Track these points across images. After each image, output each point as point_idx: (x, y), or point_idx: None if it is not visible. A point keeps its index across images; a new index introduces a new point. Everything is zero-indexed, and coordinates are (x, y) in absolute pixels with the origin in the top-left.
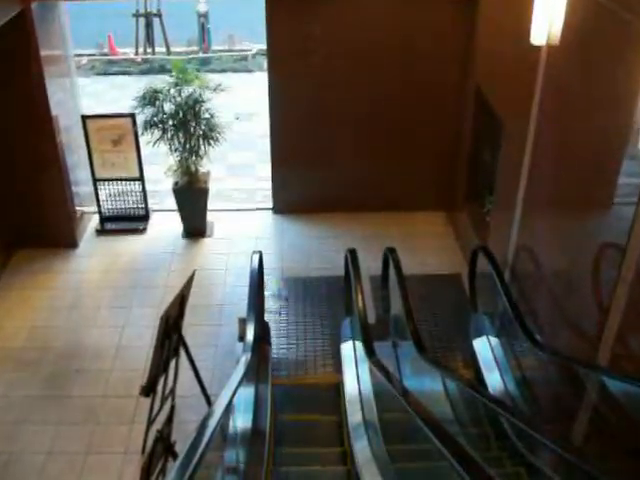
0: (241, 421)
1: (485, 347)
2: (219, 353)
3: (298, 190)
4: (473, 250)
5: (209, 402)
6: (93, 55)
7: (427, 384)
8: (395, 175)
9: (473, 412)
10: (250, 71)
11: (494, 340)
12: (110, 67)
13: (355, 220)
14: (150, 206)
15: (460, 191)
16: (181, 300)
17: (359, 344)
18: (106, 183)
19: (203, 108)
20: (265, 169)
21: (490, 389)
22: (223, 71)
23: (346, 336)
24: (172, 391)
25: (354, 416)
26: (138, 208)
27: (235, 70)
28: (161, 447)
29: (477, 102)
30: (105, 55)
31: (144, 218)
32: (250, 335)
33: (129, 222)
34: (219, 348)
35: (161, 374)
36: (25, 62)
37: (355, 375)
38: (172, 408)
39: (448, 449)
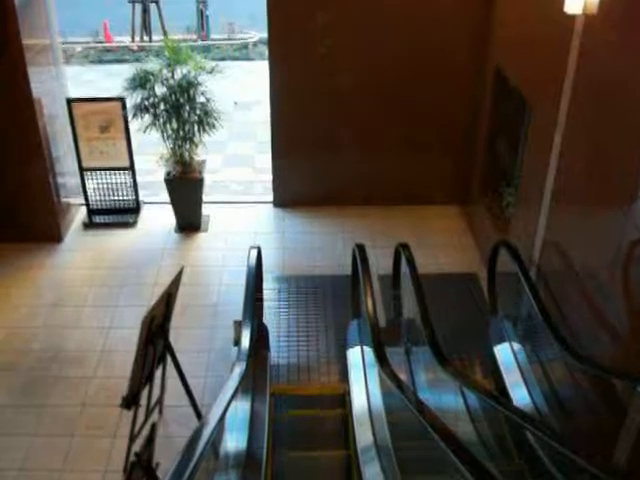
0: (234, 442)
1: (507, 354)
2: (212, 359)
3: (300, 182)
4: (494, 246)
5: (199, 415)
6: (87, 43)
7: (445, 397)
8: (405, 166)
9: (498, 431)
10: (251, 59)
11: (517, 347)
12: (105, 55)
13: (362, 214)
14: (141, 198)
15: (476, 183)
16: (167, 300)
17: (368, 350)
18: (94, 173)
19: (198, 91)
20: (265, 160)
21: (515, 402)
22: (222, 59)
23: (353, 341)
24: (159, 403)
25: (363, 436)
26: (128, 200)
27: (235, 58)
28: (140, 473)
29: (497, 83)
30: (100, 43)
31: (134, 211)
32: (246, 341)
33: (118, 215)
34: (212, 353)
35: (144, 384)
36: (5, 49)
37: (364, 387)
38: (153, 426)
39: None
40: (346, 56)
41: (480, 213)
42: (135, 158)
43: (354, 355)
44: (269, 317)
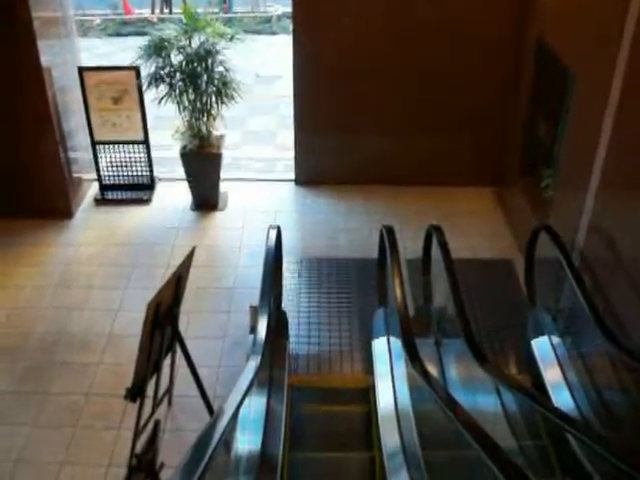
0: (246, 444)
1: (547, 349)
2: (226, 346)
3: (324, 160)
4: (533, 231)
5: (210, 409)
6: (106, 15)
7: (479, 395)
8: (435, 144)
9: (538, 435)
10: (274, 33)
11: (557, 341)
12: (124, 28)
13: (388, 195)
14: (156, 174)
15: (512, 163)
16: (177, 283)
17: (395, 341)
18: (107, 147)
19: (217, 60)
20: (287, 136)
21: (554, 401)
22: (245, 33)
23: (379, 331)
24: (168, 393)
25: (390, 439)
26: (142, 176)
27: (257, 32)
28: (140, 476)
29: (538, 54)
30: (119, 15)
31: (149, 187)
32: (262, 330)
33: (132, 191)
34: (227, 340)
35: (151, 374)
36: (15, 21)
37: (390, 382)
38: (156, 425)
39: None
40: (373, 29)
41: (516, 196)
42: (150, 133)
43: (380, 347)
44: (288, 302)
